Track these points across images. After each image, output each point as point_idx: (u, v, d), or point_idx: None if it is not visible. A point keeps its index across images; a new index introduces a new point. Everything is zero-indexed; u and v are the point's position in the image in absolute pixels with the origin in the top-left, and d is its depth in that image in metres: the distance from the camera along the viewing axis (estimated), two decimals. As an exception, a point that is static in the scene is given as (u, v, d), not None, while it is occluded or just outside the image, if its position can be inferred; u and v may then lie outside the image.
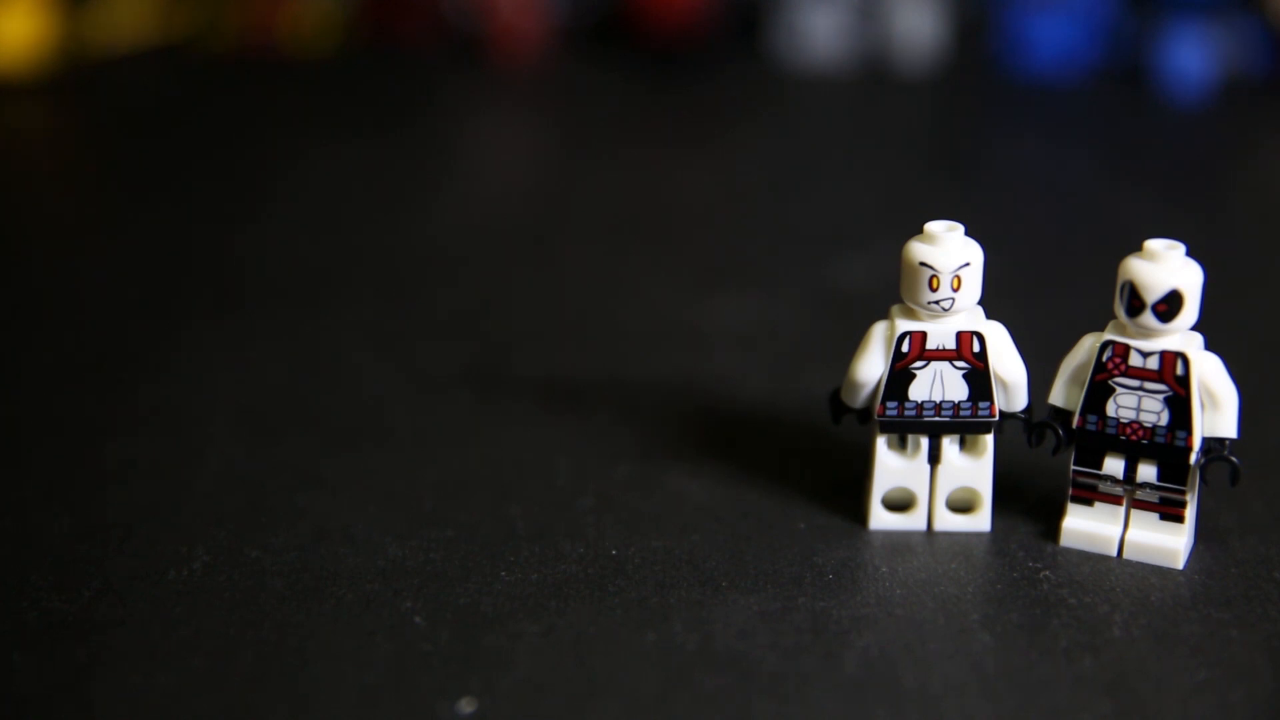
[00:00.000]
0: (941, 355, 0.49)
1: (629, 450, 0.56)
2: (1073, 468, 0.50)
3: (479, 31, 1.09)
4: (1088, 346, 0.49)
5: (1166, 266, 0.46)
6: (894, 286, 0.49)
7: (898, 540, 0.51)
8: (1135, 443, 0.48)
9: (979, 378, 0.49)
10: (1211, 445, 0.48)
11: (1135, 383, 0.48)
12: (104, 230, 0.84)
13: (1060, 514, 0.51)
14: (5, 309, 0.72)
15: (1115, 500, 0.50)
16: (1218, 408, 0.48)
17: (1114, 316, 0.48)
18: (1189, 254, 0.47)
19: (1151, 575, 0.49)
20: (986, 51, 1.10)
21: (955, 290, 0.48)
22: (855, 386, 0.51)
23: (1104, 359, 0.48)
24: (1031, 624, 0.46)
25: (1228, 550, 0.50)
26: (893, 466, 0.51)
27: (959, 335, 0.49)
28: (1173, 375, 0.47)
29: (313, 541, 0.50)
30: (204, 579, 0.48)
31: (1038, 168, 0.95)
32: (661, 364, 0.65)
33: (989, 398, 0.50)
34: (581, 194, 0.89)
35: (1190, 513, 0.49)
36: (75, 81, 1.08)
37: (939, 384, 0.50)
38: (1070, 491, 0.50)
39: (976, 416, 0.50)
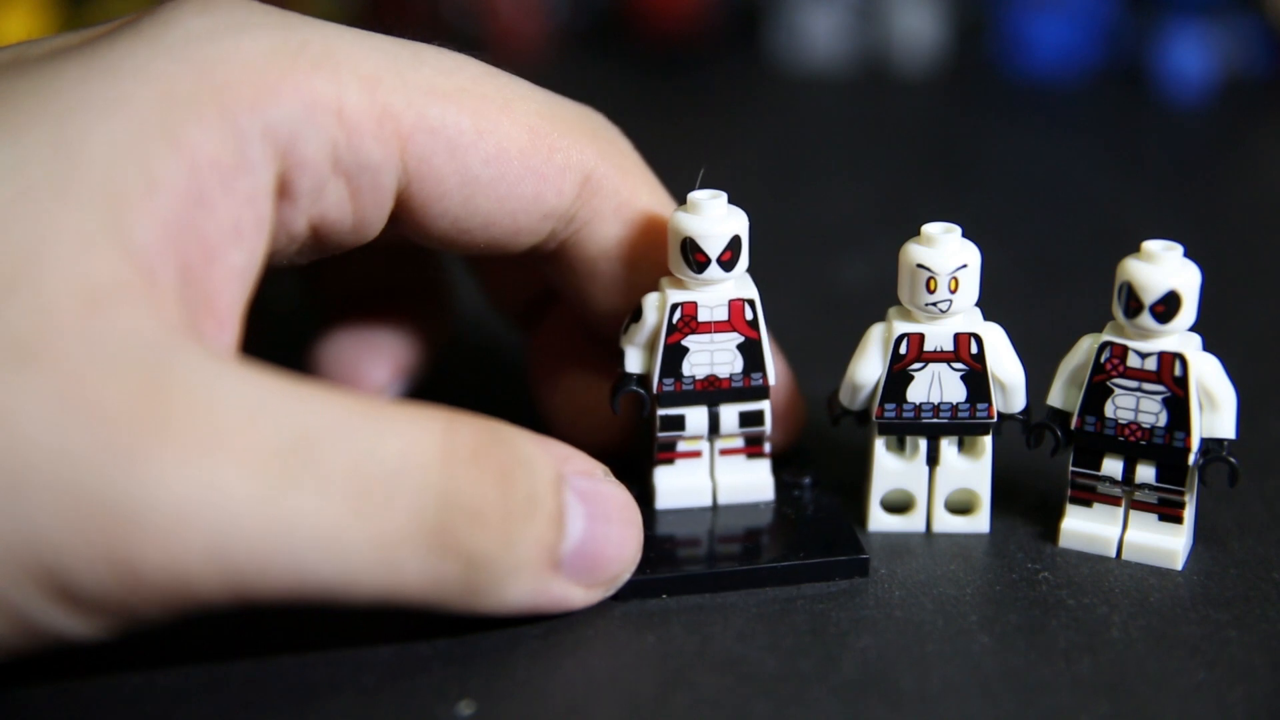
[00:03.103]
0: (939, 357, 0.49)
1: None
2: (1071, 469, 0.50)
3: (479, 31, 1.09)
4: (1086, 348, 0.49)
5: (1164, 268, 0.46)
6: (893, 287, 0.49)
7: (896, 542, 0.51)
8: (1134, 443, 0.48)
9: (977, 379, 0.49)
10: (1210, 446, 0.48)
11: (1133, 384, 0.48)
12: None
13: (1059, 515, 0.51)
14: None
15: (1114, 501, 0.50)
16: (1216, 408, 0.48)
17: (1112, 317, 0.48)
18: (1187, 255, 0.47)
19: (1150, 576, 0.49)
20: (986, 51, 1.10)
21: (953, 292, 0.48)
22: (853, 388, 0.51)
23: (1102, 360, 0.48)
24: (1030, 625, 0.46)
25: (1226, 551, 0.50)
26: (891, 468, 0.51)
27: (957, 337, 0.49)
28: (1171, 376, 0.47)
29: (312, 543, 0.50)
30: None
31: (1037, 168, 0.95)
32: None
33: (987, 399, 0.50)
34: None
35: (1189, 513, 0.49)
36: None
37: (937, 386, 0.50)
38: (1069, 492, 0.50)
39: (975, 418, 0.50)
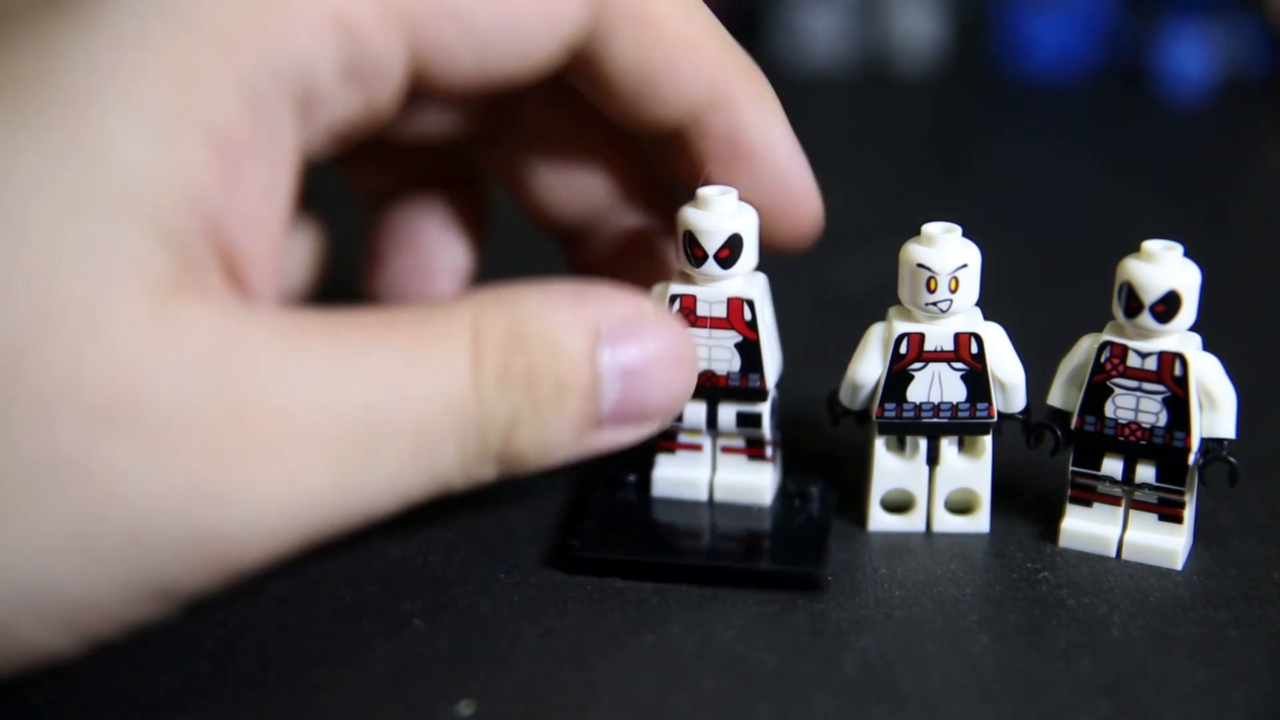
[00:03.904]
0: (939, 357, 0.49)
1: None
2: (1071, 468, 0.50)
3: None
4: (1086, 347, 0.49)
5: (1164, 267, 0.46)
6: (893, 287, 0.49)
7: (896, 542, 0.51)
8: (1134, 443, 0.48)
9: (977, 379, 0.49)
10: (1210, 446, 0.48)
11: (1133, 383, 0.48)
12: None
13: (1059, 515, 0.51)
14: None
15: (1114, 501, 0.50)
16: (1216, 408, 0.48)
17: (1112, 317, 0.48)
18: (1187, 255, 0.47)
19: (1150, 576, 0.49)
20: (986, 51, 1.10)
21: (953, 292, 0.48)
22: (854, 388, 0.51)
23: (1102, 360, 0.48)
24: (1030, 625, 0.46)
25: (1226, 551, 0.50)
26: (891, 468, 0.51)
27: (957, 336, 0.49)
28: (1171, 376, 0.47)
29: (312, 543, 0.50)
30: (204, 581, 0.48)
31: (1037, 168, 0.95)
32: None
33: (987, 399, 0.50)
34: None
35: (1189, 513, 0.49)
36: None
37: (937, 385, 0.50)
38: (1069, 492, 0.50)
39: (975, 418, 0.50)
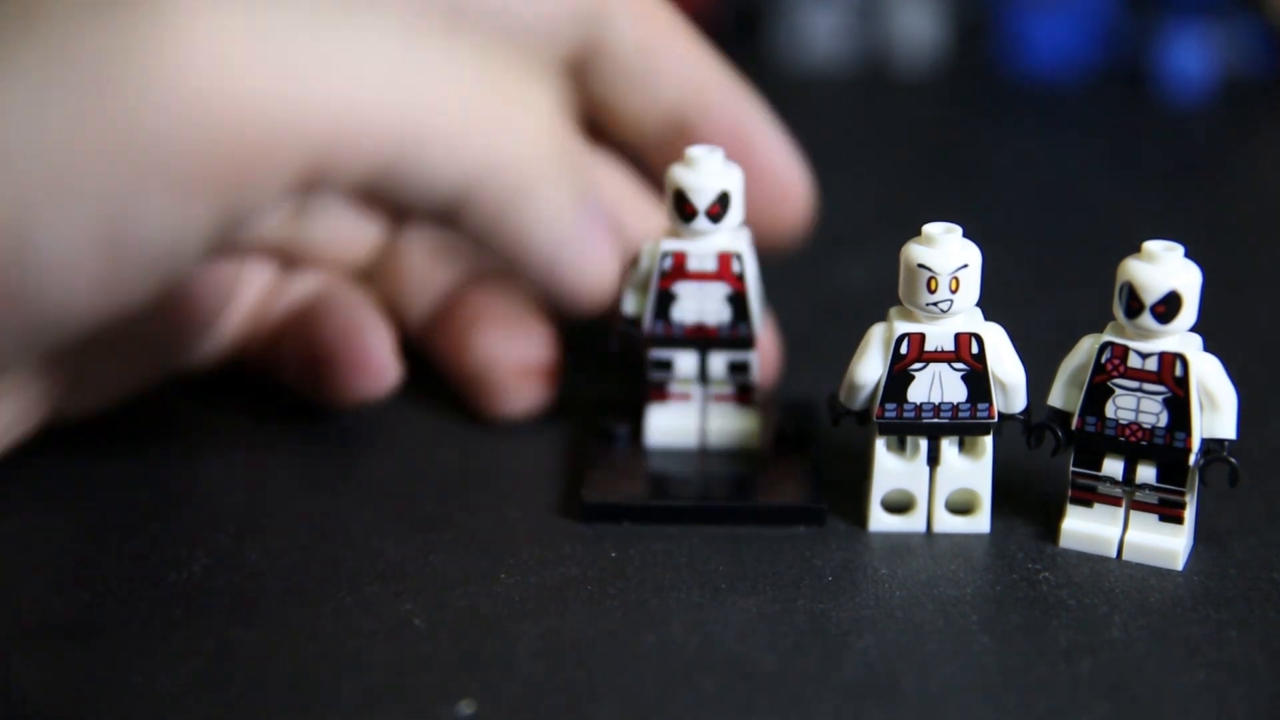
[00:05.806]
0: (940, 357, 0.49)
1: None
2: (1072, 469, 0.50)
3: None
4: (1086, 348, 0.49)
5: (1165, 268, 0.46)
6: (893, 287, 0.49)
7: (897, 542, 0.51)
8: (1134, 444, 0.48)
9: (978, 379, 0.49)
10: (1210, 446, 0.48)
11: (1134, 384, 0.48)
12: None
13: (1059, 515, 0.51)
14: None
15: (1114, 501, 0.50)
16: (1216, 409, 0.48)
17: (1113, 318, 0.48)
18: (1187, 255, 0.47)
19: (1151, 576, 0.49)
20: (986, 51, 1.10)
21: (953, 292, 0.48)
22: (854, 388, 0.51)
23: (1103, 360, 0.48)
24: (1031, 625, 0.46)
25: (1227, 551, 0.50)
26: (892, 469, 0.51)
27: (957, 337, 0.49)
28: (1171, 376, 0.47)
29: (312, 543, 0.50)
30: (204, 581, 0.48)
31: (1037, 168, 0.95)
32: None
33: (988, 399, 0.50)
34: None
35: (1189, 514, 0.49)
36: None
37: (938, 386, 0.50)
38: (1069, 493, 0.50)
39: (975, 418, 0.50)
